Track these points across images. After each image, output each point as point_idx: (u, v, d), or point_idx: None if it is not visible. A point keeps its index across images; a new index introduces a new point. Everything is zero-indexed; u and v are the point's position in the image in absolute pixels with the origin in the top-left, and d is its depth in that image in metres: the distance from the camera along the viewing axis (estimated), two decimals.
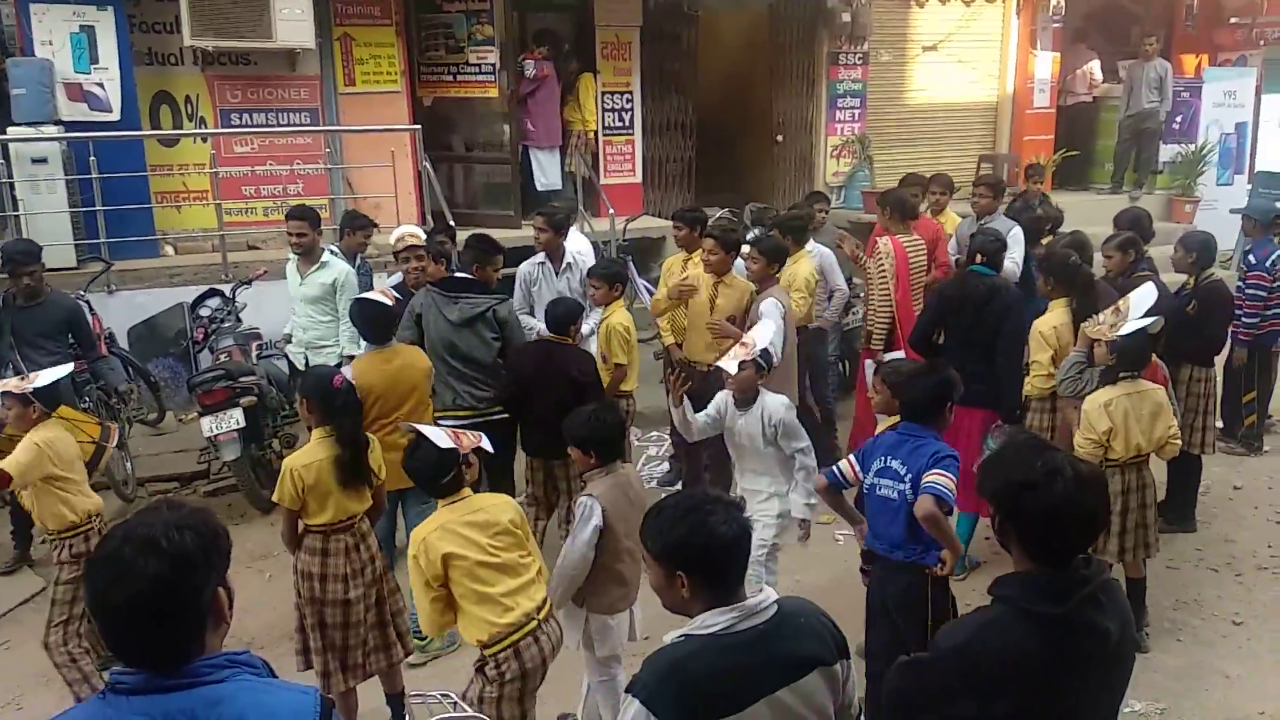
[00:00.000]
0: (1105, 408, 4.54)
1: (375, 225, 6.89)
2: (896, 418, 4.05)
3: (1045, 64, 12.28)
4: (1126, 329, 4.52)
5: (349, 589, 3.99)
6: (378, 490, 4.19)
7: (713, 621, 2.13)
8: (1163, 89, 11.59)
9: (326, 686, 3.95)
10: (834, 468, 4.11)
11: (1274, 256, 6.79)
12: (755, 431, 4.51)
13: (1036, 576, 2.20)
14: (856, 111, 11.68)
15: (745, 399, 4.52)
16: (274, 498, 4.04)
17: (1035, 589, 2.18)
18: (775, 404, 4.51)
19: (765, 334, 4.65)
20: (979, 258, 5.45)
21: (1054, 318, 5.29)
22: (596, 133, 10.51)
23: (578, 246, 6.55)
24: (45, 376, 4.34)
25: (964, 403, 4.52)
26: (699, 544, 2.14)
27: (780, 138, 11.91)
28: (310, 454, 3.96)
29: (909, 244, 6.48)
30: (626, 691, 2.14)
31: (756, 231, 9.09)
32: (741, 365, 4.42)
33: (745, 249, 5.99)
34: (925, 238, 6.89)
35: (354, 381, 4.40)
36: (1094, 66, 12.47)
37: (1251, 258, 6.92)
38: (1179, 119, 12.44)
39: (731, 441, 4.69)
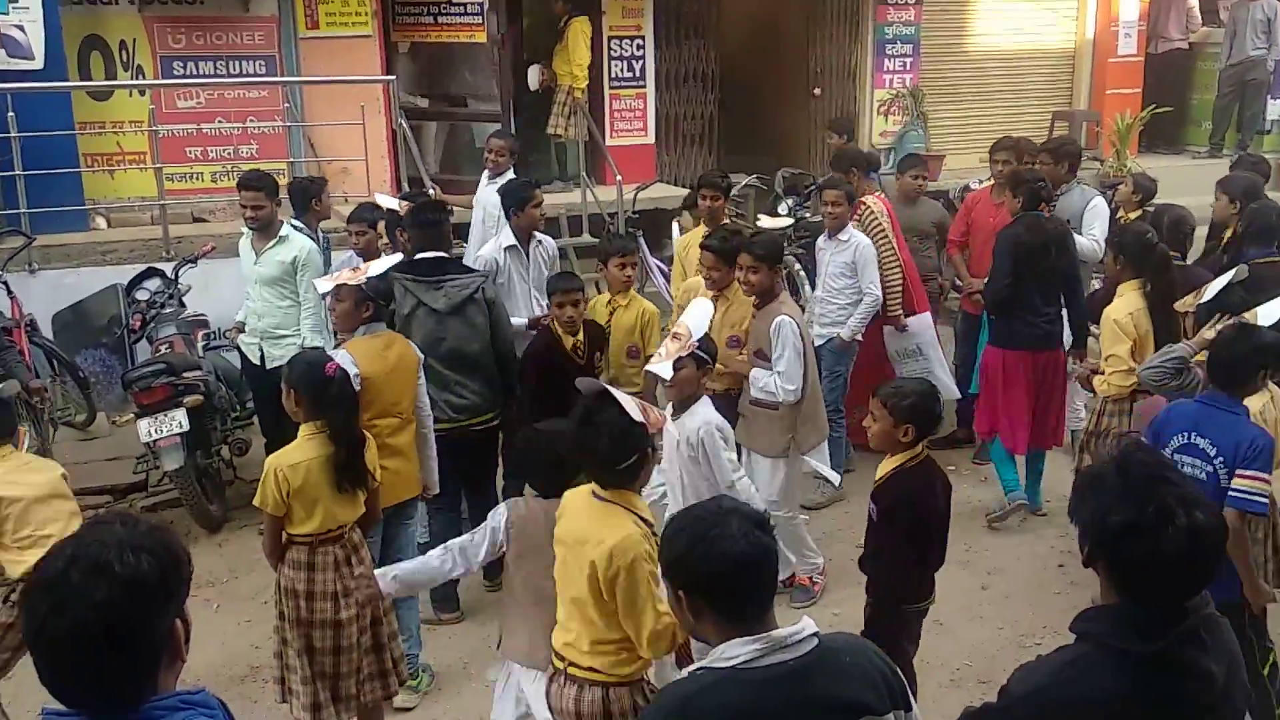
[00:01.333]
0: (1260, 417, 4.47)
1: (324, 181, 6.88)
2: (901, 455, 3.98)
3: (1132, 4, 12.22)
4: (1267, 322, 4.43)
5: (340, 609, 4.01)
6: (372, 496, 4.21)
7: (733, 654, 2.11)
8: (1272, 33, 11.53)
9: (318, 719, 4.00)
10: None
11: None
12: (672, 443, 4.31)
13: (1127, 610, 2.18)
14: (909, 60, 11.64)
15: (685, 403, 4.35)
16: (255, 501, 4.06)
17: (1126, 623, 2.16)
18: (701, 419, 4.31)
19: (699, 318, 4.33)
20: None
21: (1127, 303, 5.27)
22: (602, 87, 10.48)
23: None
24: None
25: (1039, 346, 5.96)
26: (700, 560, 2.15)
27: (818, 90, 11.88)
28: (298, 452, 3.99)
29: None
30: None
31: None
32: (677, 364, 4.18)
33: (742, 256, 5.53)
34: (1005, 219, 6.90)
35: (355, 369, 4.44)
36: (1192, 6, 12.39)
37: None
38: None
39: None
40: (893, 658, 3.78)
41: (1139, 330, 5.18)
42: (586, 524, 3.27)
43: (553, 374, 5.14)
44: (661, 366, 4.15)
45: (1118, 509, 2.14)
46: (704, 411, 4.33)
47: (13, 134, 7.80)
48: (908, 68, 11.67)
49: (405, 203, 6.13)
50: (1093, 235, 6.75)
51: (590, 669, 3.21)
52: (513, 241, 6.03)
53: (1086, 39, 12.45)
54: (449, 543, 3.79)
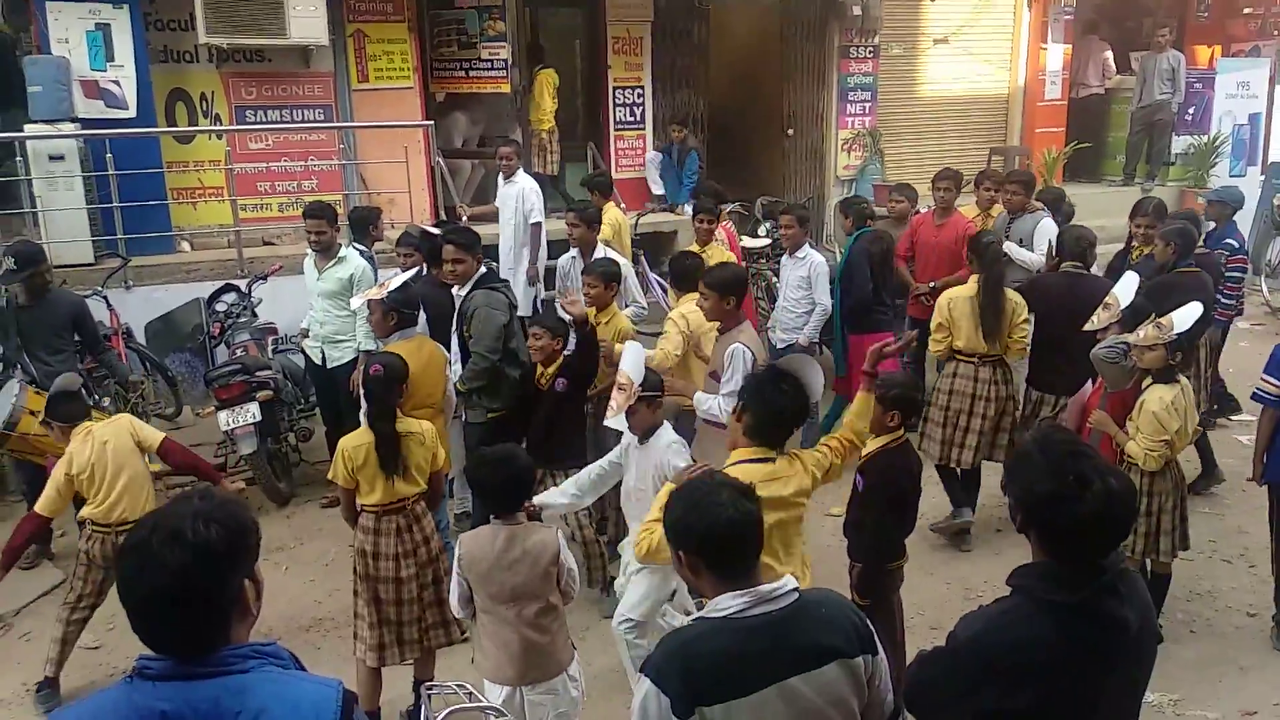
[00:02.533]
0: (1172, 407, 4.49)
1: (379, 210, 6.93)
2: (886, 437, 3.99)
3: (1057, 56, 12.21)
4: (1181, 328, 4.45)
5: (400, 568, 4.07)
6: (435, 477, 4.27)
7: (725, 605, 2.13)
8: (1175, 80, 11.51)
9: (381, 659, 4.07)
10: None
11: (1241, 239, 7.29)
12: (647, 469, 4.08)
13: (1054, 567, 2.18)
14: (867, 105, 11.63)
15: (648, 432, 4.13)
16: (329, 475, 4.26)
17: (1052, 579, 2.17)
18: (666, 440, 4.08)
19: (634, 363, 4.10)
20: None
21: (967, 289, 5.69)
22: (609, 129, 10.48)
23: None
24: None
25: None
26: (697, 525, 2.16)
27: (791, 131, 11.88)
28: (359, 436, 4.12)
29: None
30: (639, 670, 2.16)
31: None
32: (631, 411, 4.01)
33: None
34: (952, 233, 6.95)
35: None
36: (1107, 57, 12.39)
37: (1233, 242, 7.07)
38: (1192, 110, 12.35)
39: (624, 489, 4.24)
40: (883, 610, 3.83)
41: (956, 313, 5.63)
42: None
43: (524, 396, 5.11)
44: (617, 420, 4.05)
45: (1043, 480, 2.14)
46: (667, 435, 4.15)
47: (111, 172, 7.81)
48: (867, 111, 11.66)
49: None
50: (1042, 250, 6.73)
51: None
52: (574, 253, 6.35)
53: (1018, 85, 12.42)
54: None
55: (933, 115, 12.17)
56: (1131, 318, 4.77)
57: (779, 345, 6.50)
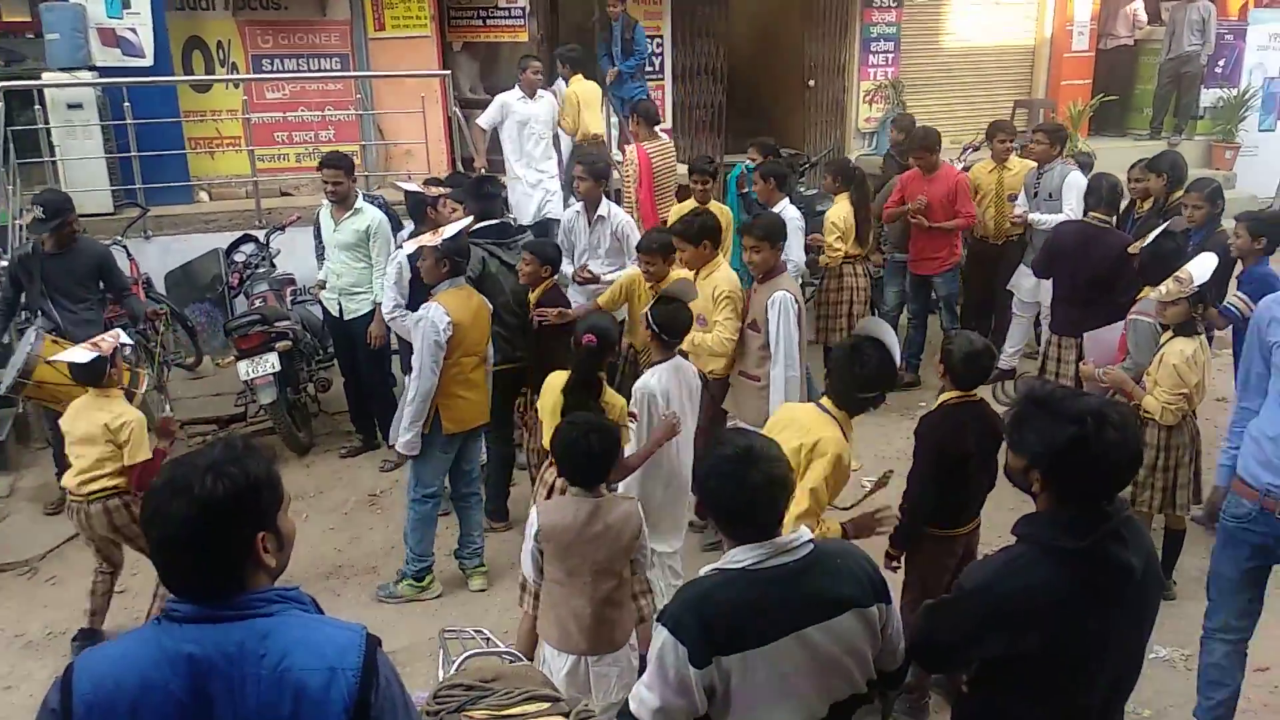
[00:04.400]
0: (1192, 360, 4.45)
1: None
2: (948, 394, 3.87)
3: (1085, 6, 11.95)
4: (1200, 279, 4.40)
5: None
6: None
7: (742, 557, 2.16)
8: (1205, 31, 11.26)
9: None
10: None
11: None
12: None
13: (1059, 514, 2.23)
14: (890, 56, 11.45)
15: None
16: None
17: (1058, 526, 2.21)
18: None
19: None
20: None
21: (842, 209, 6.66)
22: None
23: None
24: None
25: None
26: (713, 486, 2.20)
27: (812, 83, 11.70)
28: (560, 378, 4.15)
29: (654, 150, 7.45)
30: (657, 620, 2.18)
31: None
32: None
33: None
34: (944, 187, 6.94)
35: (444, 320, 4.53)
36: (1138, 7, 12.11)
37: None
38: (1221, 63, 12.09)
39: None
40: (918, 569, 3.79)
41: (846, 226, 6.62)
42: (809, 422, 3.36)
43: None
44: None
45: (1060, 428, 2.17)
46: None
47: (128, 121, 7.80)
48: (889, 62, 11.48)
49: (431, 187, 6.04)
50: (1069, 206, 6.68)
51: None
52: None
53: (1045, 36, 12.19)
54: None
55: (957, 66, 11.97)
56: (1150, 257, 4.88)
57: None
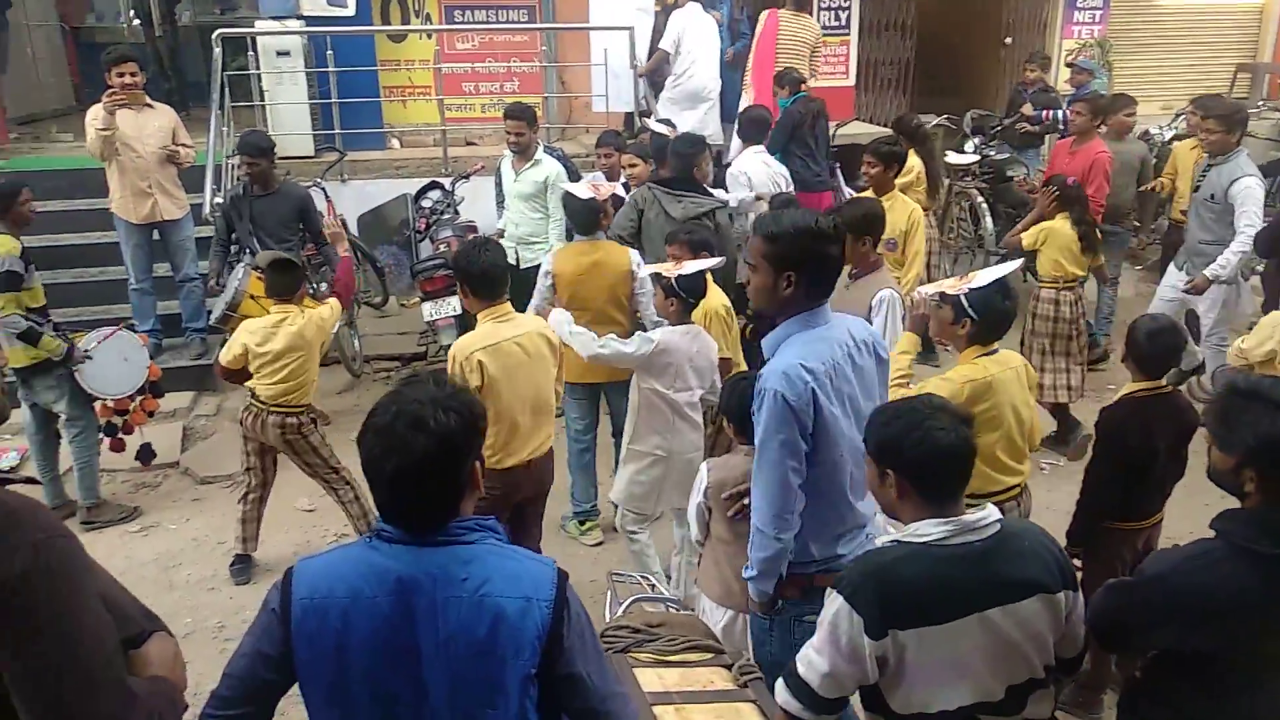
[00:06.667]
0: None
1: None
2: (1134, 384, 3.69)
3: None
4: None
5: None
6: None
7: (927, 531, 2.13)
8: None
9: None
10: None
11: None
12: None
13: (1266, 516, 2.12)
14: (1098, 12, 10.75)
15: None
16: None
17: (1259, 527, 2.12)
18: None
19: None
20: None
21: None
22: None
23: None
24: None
25: None
26: (912, 444, 2.12)
27: (1009, 39, 11.15)
28: None
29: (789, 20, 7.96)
30: (832, 587, 2.17)
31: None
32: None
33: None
34: (1080, 163, 6.45)
35: (549, 268, 4.78)
36: None
37: None
38: None
39: None
40: (1097, 565, 3.62)
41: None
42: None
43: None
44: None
45: (1275, 422, 2.07)
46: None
47: (331, 69, 8.25)
48: (1097, 19, 10.78)
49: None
50: (1247, 223, 5.45)
51: None
52: None
53: None
54: None
55: (1173, 25, 11.13)
56: None
57: None
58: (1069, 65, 8.93)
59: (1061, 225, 5.76)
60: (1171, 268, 6.22)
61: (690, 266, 4.18)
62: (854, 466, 2.71)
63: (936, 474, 2.14)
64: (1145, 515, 3.75)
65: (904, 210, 5.47)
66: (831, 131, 9.18)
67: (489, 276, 3.92)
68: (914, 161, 6.73)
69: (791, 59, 7.86)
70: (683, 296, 4.14)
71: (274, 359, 4.68)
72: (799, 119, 7.22)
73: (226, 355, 4.80)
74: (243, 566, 5.01)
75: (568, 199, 5.06)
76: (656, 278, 4.27)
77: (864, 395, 2.79)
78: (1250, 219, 5.47)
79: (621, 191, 4.83)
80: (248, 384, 4.78)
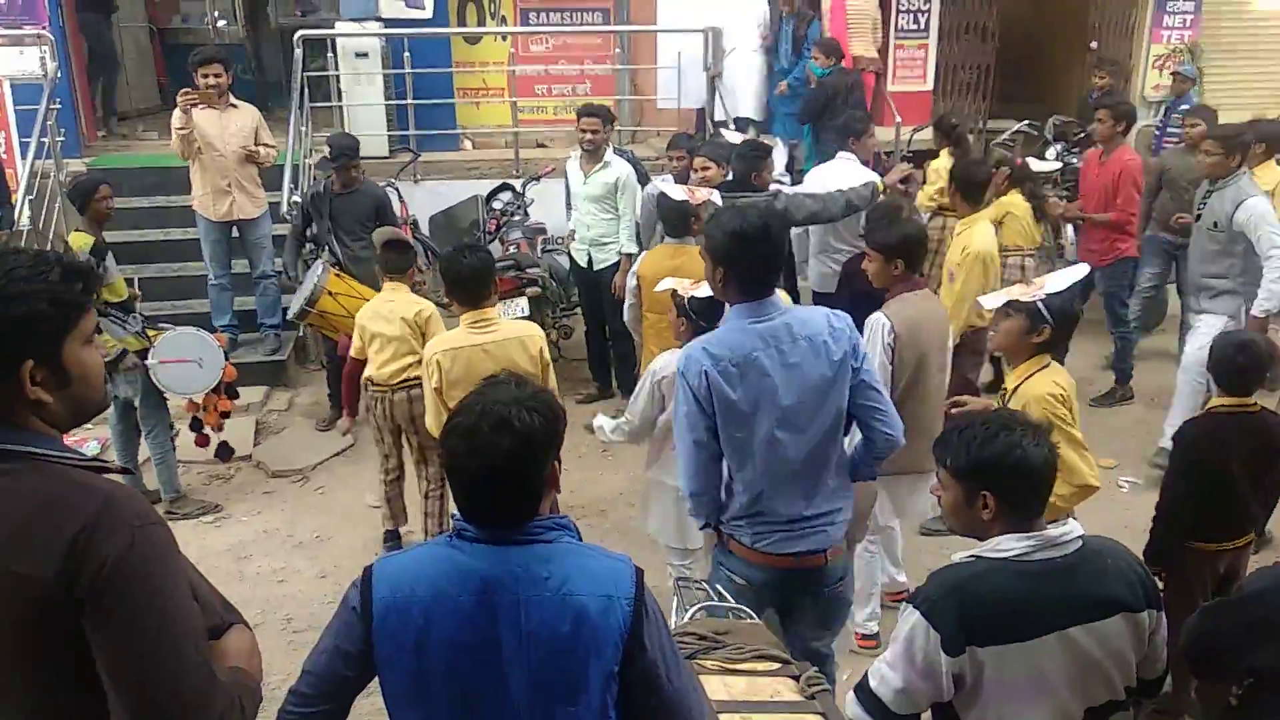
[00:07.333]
0: None
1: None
2: (1218, 400, 3.56)
3: None
4: None
5: None
6: None
7: (1008, 546, 2.09)
8: None
9: None
10: None
11: None
12: None
13: None
14: (1189, 16, 10.43)
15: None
16: None
17: None
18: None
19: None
20: None
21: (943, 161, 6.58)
22: (888, 38, 10.03)
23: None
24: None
25: None
26: (1011, 465, 2.08)
27: (1095, 44, 10.87)
28: None
29: None
30: (908, 602, 2.14)
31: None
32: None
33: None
34: (1109, 174, 6.30)
35: (635, 269, 4.81)
36: None
37: None
38: None
39: None
40: (1178, 586, 3.49)
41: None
42: None
43: None
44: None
45: None
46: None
47: (407, 70, 8.39)
48: (1188, 24, 10.46)
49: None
50: (1273, 251, 5.04)
51: None
52: None
53: None
54: None
55: (1267, 31, 10.73)
56: None
57: None
58: (1173, 73, 8.63)
59: (1015, 199, 6.34)
60: (1208, 317, 5.53)
61: (705, 290, 3.75)
62: (793, 451, 2.87)
63: (1033, 490, 2.10)
64: (1227, 536, 3.60)
65: (966, 239, 5.05)
66: (908, 137, 9.11)
67: (469, 281, 4.05)
68: (944, 161, 6.69)
69: (858, 34, 7.92)
70: (693, 319, 3.86)
71: (388, 341, 4.80)
72: (833, 90, 7.22)
73: (352, 350, 4.95)
74: (394, 544, 5.09)
75: (661, 200, 5.09)
76: (672, 294, 4.11)
77: (789, 388, 2.84)
78: (1271, 239, 5.09)
79: (718, 199, 4.80)
80: (364, 376, 4.90)
